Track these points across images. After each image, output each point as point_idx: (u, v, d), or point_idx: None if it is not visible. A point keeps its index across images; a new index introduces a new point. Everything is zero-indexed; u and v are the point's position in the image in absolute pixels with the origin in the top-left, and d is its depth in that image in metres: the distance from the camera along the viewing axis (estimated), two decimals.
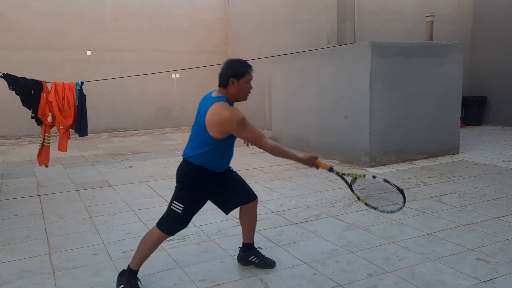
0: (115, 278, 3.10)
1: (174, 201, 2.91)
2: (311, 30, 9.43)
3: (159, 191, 5.54)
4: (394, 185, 3.01)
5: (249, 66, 2.91)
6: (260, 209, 4.70)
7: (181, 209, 2.88)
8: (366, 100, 6.62)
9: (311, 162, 2.97)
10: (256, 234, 3.96)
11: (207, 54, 12.17)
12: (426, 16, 8.08)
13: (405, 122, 6.96)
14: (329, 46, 8.12)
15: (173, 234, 2.99)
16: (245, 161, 7.41)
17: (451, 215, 4.39)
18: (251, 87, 2.93)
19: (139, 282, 2.96)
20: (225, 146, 2.91)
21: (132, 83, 11.34)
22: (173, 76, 11.98)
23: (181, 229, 3.01)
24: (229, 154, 3.02)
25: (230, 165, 3.13)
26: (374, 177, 3.14)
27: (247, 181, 6.07)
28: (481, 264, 3.27)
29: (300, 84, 8.23)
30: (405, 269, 3.24)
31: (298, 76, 8.28)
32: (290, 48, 9.22)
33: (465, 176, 6.00)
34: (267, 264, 3.27)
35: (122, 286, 2.91)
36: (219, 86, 2.91)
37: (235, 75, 2.84)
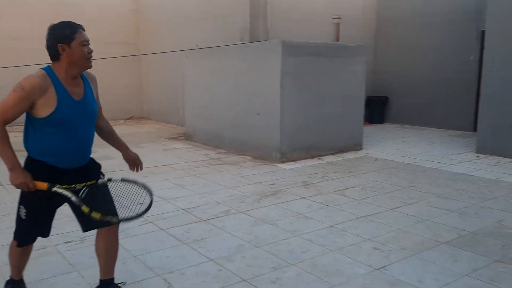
0: (2, 285, 2.83)
1: (19, 204, 2.45)
2: (225, 26, 9.43)
3: None
4: (135, 182, 2.47)
5: (78, 26, 2.35)
6: (168, 207, 4.62)
7: (25, 214, 2.41)
8: (277, 98, 6.77)
9: (18, 176, 2.27)
10: (163, 232, 3.88)
11: (117, 46, 11.64)
12: (333, 19, 8.47)
13: (314, 119, 7.23)
14: (241, 42, 8.18)
15: (22, 245, 2.52)
16: (155, 157, 7.22)
17: (352, 208, 4.64)
18: (90, 50, 2.37)
19: None
20: (57, 127, 2.32)
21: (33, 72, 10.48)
22: None
23: (33, 238, 2.53)
24: (69, 142, 2.37)
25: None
26: (109, 180, 2.50)
27: (156, 178, 5.90)
28: (376, 253, 3.50)
29: (213, 80, 8.20)
30: (307, 261, 3.35)
31: (211, 72, 8.24)
32: (203, 43, 9.14)
33: (366, 170, 6.38)
34: None
35: None
36: (52, 61, 2.37)
37: (62, 39, 2.29)
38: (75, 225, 4.01)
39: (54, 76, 2.34)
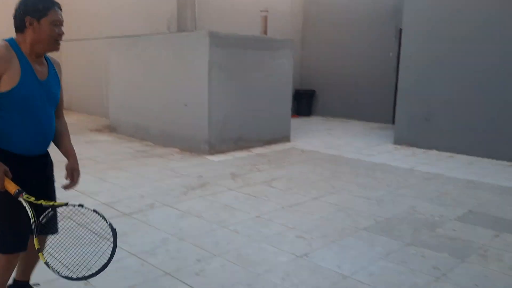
0: None
1: None
2: (152, 14, 9.16)
3: None
4: (107, 221, 2.10)
5: (55, 3, 2.13)
6: (88, 202, 4.41)
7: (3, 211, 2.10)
8: (205, 89, 6.71)
9: None
10: (81, 228, 3.70)
11: None
12: (261, 12, 8.54)
13: (242, 111, 7.27)
14: (168, 32, 7.99)
15: (11, 251, 2.17)
16: (77, 150, 6.84)
17: (278, 198, 4.74)
18: (60, 32, 2.14)
19: None
20: (13, 108, 2.05)
21: None
22: None
23: (19, 242, 2.17)
24: (31, 123, 2.11)
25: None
26: (81, 205, 2.15)
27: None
28: (299, 241, 3.60)
29: (139, 70, 7.94)
30: (232, 251, 3.37)
31: (136, 62, 7.97)
32: (128, 32, 8.81)
33: (293, 162, 6.54)
34: None
35: None
36: (16, 32, 2.13)
37: (32, 12, 2.05)
38: None
39: (18, 48, 2.09)
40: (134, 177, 5.44)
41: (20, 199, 2.00)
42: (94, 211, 2.12)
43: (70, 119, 10.59)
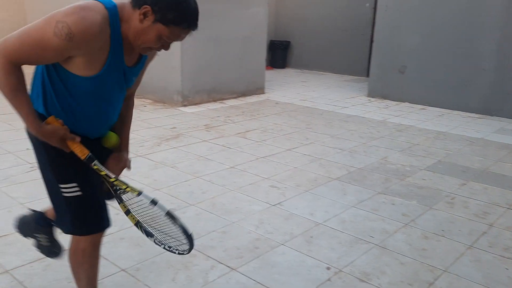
0: None
1: (59, 185, 1.76)
2: None
3: None
4: (180, 225, 1.73)
5: (191, 22, 1.63)
6: None
7: (77, 189, 1.75)
8: None
9: (51, 135, 1.62)
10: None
11: None
12: None
13: (215, 62, 7.11)
14: None
15: (94, 231, 1.83)
16: None
17: (252, 149, 4.74)
18: (164, 46, 1.66)
19: None
20: (85, 93, 1.68)
21: None
22: None
23: (102, 219, 1.86)
24: (94, 109, 1.76)
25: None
26: (154, 203, 1.72)
27: None
28: (273, 190, 3.64)
29: None
30: (207, 200, 3.39)
31: None
32: None
33: (267, 113, 6.52)
34: (51, 251, 2.24)
35: None
36: (130, 2, 1.61)
37: (159, 10, 1.55)
38: None
39: (117, 24, 1.59)
40: None
41: (94, 162, 1.72)
42: (168, 214, 1.72)
43: None
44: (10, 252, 2.56)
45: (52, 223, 2.14)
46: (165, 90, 6.88)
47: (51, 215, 2.13)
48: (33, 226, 2.18)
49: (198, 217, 3.11)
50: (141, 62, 1.81)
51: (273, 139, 5.17)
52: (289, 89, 8.76)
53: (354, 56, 10.74)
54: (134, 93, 2.05)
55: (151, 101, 7.01)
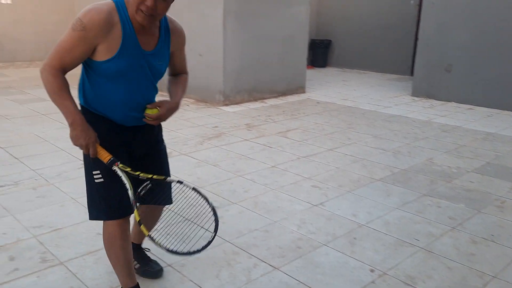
0: None
1: (90, 170, 1.96)
2: None
3: None
4: (205, 198, 2.02)
5: None
6: None
7: (99, 175, 1.93)
8: (219, 38, 6.58)
9: (79, 136, 1.81)
10: None
11: None
12: None
13: (257, 61, 7.15)
14: None
15: (112, 217, 1.98)
16: None
17: (293, 149, 4.75)
18: (151, 6, 1.74)
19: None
20: (109, 79, 1.86)
21: None
22: (3, 1, 10.27)
23: (120, 207, 1.96)
24: (124, 96, 1.90)
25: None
26: (180, 182, 2.02)
27: None
28: (315, 190, 3.64)
29: None
30: (249, 199, 3.43)
31: None
32: None
33: (308, 113, 6.49)
34: (147, 272, 2.42)
35: None
36: None
37: None
38: (8, 168, 3.83)
39: (125, 11, 1.80)
40: None
41: (115, 167, 1.86)
42: (194, 189, 1.95)
43: None
44: (64, 245, 2.69)
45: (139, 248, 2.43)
46: (207, 89, 7.00)
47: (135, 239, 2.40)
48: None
49: (241, 215, 3.15)
50: (161, 45, 1.95)
51: (314, 138, 5.15)
52: (330, 88, 8.68)
53: (398, 55, 10.49)
54: (183, 71, 2.19)
55: (193, 100, 7.15)
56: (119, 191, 1.93)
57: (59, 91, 1.78)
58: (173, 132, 5.25)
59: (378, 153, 4.66)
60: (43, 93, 4.73)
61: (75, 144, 1.83)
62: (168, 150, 4.60)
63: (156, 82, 2.02)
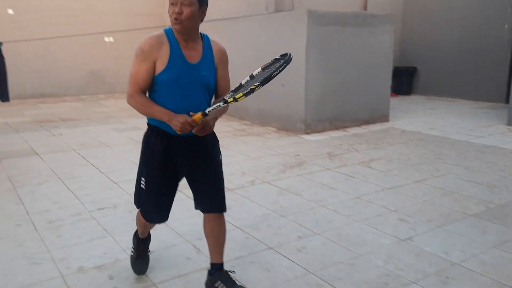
0: (40, 248, 2.98)
1: (139, 176, 2.40)
2: None
3: (90, 159, 5.34)
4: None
5: None
6: None
7: (144, 183, 2.34)
8: (302, 68, 6.70)
9: (177, 123, 2.11)
10: (190, 201, 3.95)
11: (142, 17, 11.63)
12: None
13: (339, 90, 7.15)
14: (267, 12, 8.05)
15: (146, 220, 2.45)
16: None
17: (378, 179, 4.63)
18: (177, 11, 2.15)
19: (148, 251, 2.81)
20: (165, 89, 2.22)
21: (60, 46, 10.63)
22: (106, 39, 11.38)
23: (158, 214, 2.40)
24: (174, 105, 2.21)
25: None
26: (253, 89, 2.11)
27: None
28: (402, 224, 3.50)
29: (237, 51, 8.13)
30: (332, 230, 3.39)
31: (235, 43, 8.17)
32: (228, 14, 9.04)
33: (392, 142, 6.31)
34: None
35: (132, 249, 2.80)
36: None
37: None
38: (108, 192, 4.17)
39: (172, 35, 2.25)
40: (235, 154, 5.67)
41: (208, 109, 2.11)
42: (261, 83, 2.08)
43: None
44: (156, 267, 2.85)
45: (221, 268, 2.54)
46: (288, 118, 7.10)
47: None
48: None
49: (325, 247, 3.12)
50: (205, 58, 2.31)
51: (399, 169, 4.98)
52: (416, 117, 8.38)
53: (490, 81, 9.88)
54: (227, 91, 2.45)
55: (275, 129, 7.28)
56: (154, 203, 2.38)
57: (146, 104, 2.21)
58: (255, 160, 5.38)
59: (470, 186, 4.38)
60: (138, 122, 5.12)
61: (177, 129, 2.11)
62: (251, 178, 4.74)
63: (206, 93, 2.32)
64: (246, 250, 3.05)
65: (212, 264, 2.50)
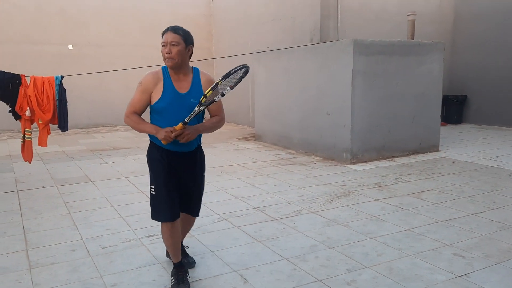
0: (93, 274, 3.08)
1: (150, 185, 2.97)
2: (295, 27, 9.45)
3: (140, 187, 5.50)
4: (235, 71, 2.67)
5: (167, 28, 2.77)
6: (241, 205, 4.73)
7: (153, 189, 2.90)
8: (348, 98, 6.67)
9: (161, 134, 2.67)
10: (237, 230, 4.00)
11: None
12: (408, 15, 8.17)
13: (386, 119, 7.04)
14: (312, 43, 8.15)
15: (168, 220, 2.86)
16: (227, 157, 7.40)
17: (429, 211, 4.46)
18: (167, 51, 2.69)
19: (187, 275, 2.98)
20: (160, 114, 2.78)
21: (113, 79, 11.20)
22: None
23: (172, 211, 2.85)
24: (169, 125, 2.71)
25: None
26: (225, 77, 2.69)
27: (229, 177, 6.07)
28: (457, 259, 3.34)
29: (282, 81, 8.25)
30: (383, 264, 3.28)
31: (280, 73, 8.29)
32: (273, 45, 9.23)
33: (444, 173, 6.09)
34: (186, 263, 3.15)
35: (172, 278, 2.95)
36: None
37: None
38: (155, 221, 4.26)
39: (166, 72, 2.81)
40: (280, 183, 5.66)
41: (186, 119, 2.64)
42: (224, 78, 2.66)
43: (220, 128, 11.50)
44: None
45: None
46: (334, 147, 7.04)
47: None
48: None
49: (375, 281, 3.02)
50: (194, 87, 2.81)
51: (452, 201, 4.78)
52: (468, 146, 8.07)
53: None
54: (219, 113, 2.97)
55: (320, 158, 7.23)
56: (164, 202, 2.84)
57: (138, 121, 2.79)
58: (301, 189, 5.35)
59: None
60: None
61: (161, 138, 2.64)
62: (297, 208, 4.71)
63: (199, 117, 2.85)
64: (294, 282, 3.01)
65: None
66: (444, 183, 5.54)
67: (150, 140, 2.94)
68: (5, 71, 5.54)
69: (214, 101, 2.67)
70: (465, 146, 8.12)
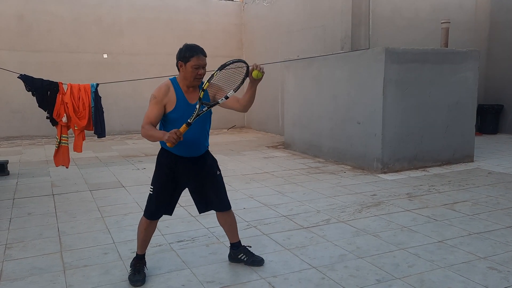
0: (125, 277, 3.14)
1: (150, 185, 3.18)
2: (325, 35, 9.44)
3: None
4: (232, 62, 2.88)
5: (198, 51, 2.94)
6: (270, 213, 4.73)
7: (152, 190, 3.13)
8: (379, 106, 6.59)
9: (167, 134, 2.81)
10: (265, 237, 4.01)
11: (221, 59, 12.15)
12: (442, 23, 8.03)
13: (418, 129, 6.90)
14: (343, 51, 8.11)
15: (151, 218, 3.16)
16: (256, 165, 7.43)
17: (463, 223, 4.34)
18: (200, 73, 2.95)
19: (144, 267, 3.21)
20: (173, 124, 2.96)
21: (146, 87, 11.42)
22: None
23: (157, 214, 3.16)
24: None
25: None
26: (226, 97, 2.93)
27: (258, 185, 6.09)
28: (493, 273, 3.23)
29: (312, 90, 8.23)
30: (414, 276, 3.21)
31: (311, 82, 8.28)
32: (303, 54, 9.24)
33: (478, 184, 5.91)
34: (255, 261, 3.37)
35: (130, 269, 3.17)
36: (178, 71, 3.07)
37: (182, 59, 2.95)
38: (186, 225, 4.33)
39: (176, 84, 3.05)
40: (309, 192, 5.63)
41: (190, 120, 2.81)
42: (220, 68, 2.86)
43: (250, 136, 11.59)
44: None
45: (240, 245, 3.46)
46: (364, 156, 6.96)
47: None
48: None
49: None
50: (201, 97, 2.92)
51: (488, 213, 4.64)
52: (504, 157, 7.81)
53: None
54: (242, 103, 3.14)
55: (350, 167, 7.15)
56: (155, 205, 3.13)
57: (150, 129, 2.91)
58: (330, 198, 5.30)
59: None
60: (217, 158, 5.14)
61: (167, 140, 2.74)
62: (326, 217, 4.67)
63: (205, 124, 3.10)
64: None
65: (232, 244, 3.43)
66: (479, 195, 5.38)
67: (161, 145, 3.16)
68: (44, 79, 5.77)
69: (218, 103, 2.91)
70: (501, 156, 7.86)
